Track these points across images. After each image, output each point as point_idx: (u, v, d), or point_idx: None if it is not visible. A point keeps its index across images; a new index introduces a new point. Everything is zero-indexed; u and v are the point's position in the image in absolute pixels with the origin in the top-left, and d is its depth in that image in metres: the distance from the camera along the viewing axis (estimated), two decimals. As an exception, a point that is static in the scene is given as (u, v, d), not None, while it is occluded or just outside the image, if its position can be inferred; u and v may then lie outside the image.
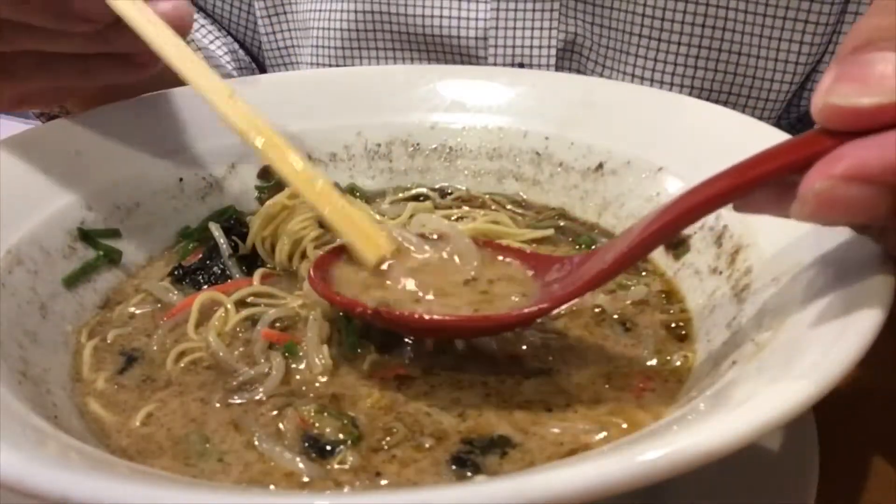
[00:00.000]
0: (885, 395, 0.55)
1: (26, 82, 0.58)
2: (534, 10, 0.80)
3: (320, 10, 0.87)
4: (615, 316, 0.52)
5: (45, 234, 0.54)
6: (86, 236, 0.56)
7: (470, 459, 0.41)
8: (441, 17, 0.83)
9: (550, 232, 0.62)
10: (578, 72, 0.83)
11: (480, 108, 0.69)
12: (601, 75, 0.81)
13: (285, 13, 0.91)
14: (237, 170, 0.66)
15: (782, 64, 0.78)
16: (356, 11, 0.84)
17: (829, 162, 0.32)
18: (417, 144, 0.70)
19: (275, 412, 0.44)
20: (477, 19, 0.82)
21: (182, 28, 0.55)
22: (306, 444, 0.42)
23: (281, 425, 0.43)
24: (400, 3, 0.83)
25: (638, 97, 0.66)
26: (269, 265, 0.58)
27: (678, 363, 0.47)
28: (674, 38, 0.78)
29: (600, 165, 0.64)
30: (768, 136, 0.54)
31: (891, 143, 0.31)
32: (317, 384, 0.46)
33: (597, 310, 0.52)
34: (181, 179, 0.63)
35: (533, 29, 0.80)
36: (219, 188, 0.65)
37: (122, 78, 0.60)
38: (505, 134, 0.68)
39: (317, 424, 0.43)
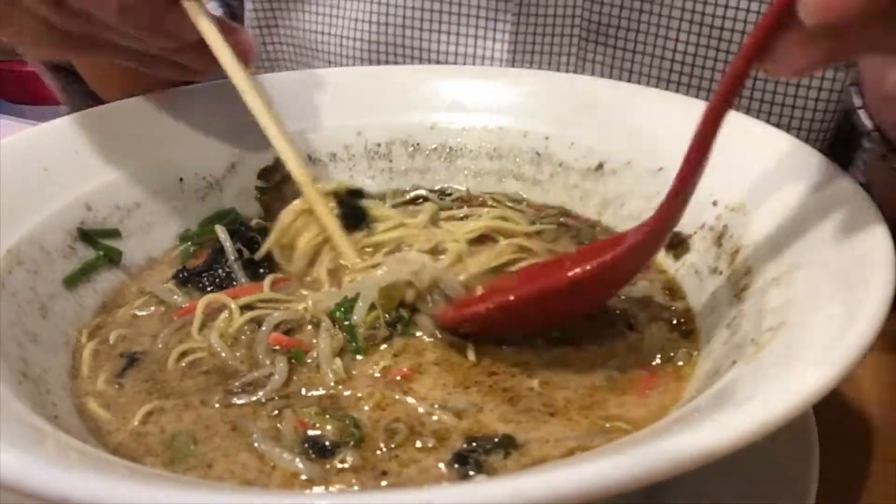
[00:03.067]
0: (886, 394, 0.55)
1: (84, 54, 0.64)
2: (551, 54, 0.79)
3: (331, 35, 0.86)
4: (617, 312, 0.52)
5: (45, 234, 0.54)
6: (86, 236, 0.56)
7: (473, 458, 0.40)
8: (457, 53, 0.82)
9: (555, 227, 0.62)
10: None
11: (480, 108, 0.69)
12: None
13: (291, 35, 0.91)
14: (237, 170, 0.66)
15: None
16: (370, 42, 0.84)
17: None
18: (417, 144, 0.70)
19: (275, 412, 0.44)
20: (493, 59, 0.81)
21: (247, 59, 0.60)
22: (306, 445, 0.42)
23: (280, 426, 0.43)
24: (415, 36, 0.82)
25: (638, 97, 0.66)
26: (282, 271, 0.58)
27: (681, 362, 0.47)
28: (693, 83, 0.77)
29: (600, 165, 0.64)
30: (769, 136, 0.54)
31: None
32: (320, 389, 0.46)
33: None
34: (181, 179, 0.63)
35: (550, 70, 0.80)
36: (219, 188, 0.65)
37: (174, 76, 0.64)
38: (505, 134, 0.68)
39: (317, 425, 0.43)
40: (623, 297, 0.53)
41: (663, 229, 0.45)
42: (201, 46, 0.57)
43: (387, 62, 0.84)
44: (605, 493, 0.27)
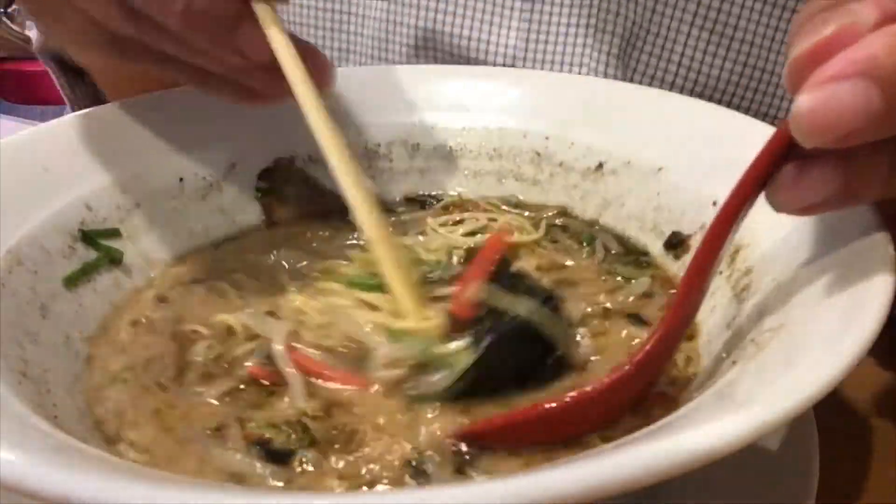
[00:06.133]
0: (885, 394, 0.55)
1: (135, 61, 0.56)
2: (564, 44, 0.79)
3: (349, 14, 0.86)
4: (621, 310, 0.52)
5: (45, 234, 0.53)
6: (87, 237, 0.56)
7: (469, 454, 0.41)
8: (470, 38, 0.81)
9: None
10: None
11: (480, 108, 0.69)
12: None
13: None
14: (237, 170, 0.66)
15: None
16: (386, 21, 0.84)
17: (816, 74, 0.31)
18: (417, 144, 0.70)
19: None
20: (506, 46, 0.80)
21: (324, 86, 0.53)
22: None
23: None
24: (429, 17, 0.82)
25: (638, 97, 0.66)
26: None
27: (681, 363, 0.47)
28: (710, 84, 0.76)
29: (600, 165, 0.64)
30: (769, 136, 0.54)
31: (873, 39, 0.31)
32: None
33: (605, 306, 0.52)
34: (181, 179, 0.63)
35: (563, 64, 0.79)
36: (219, 188, 0.65)
37: (234, 100, 0.58)
38: (505, 134, 0.68)
39: (266, 435, 0.43)
40: (625, 295, 0.54)
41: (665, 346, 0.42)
42: (273, 67, 0.50)
43: (400, 42, 0.84)
44: (604, 493, 0.27)
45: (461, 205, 0.66)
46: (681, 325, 0.42)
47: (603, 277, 0.57)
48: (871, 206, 0.42)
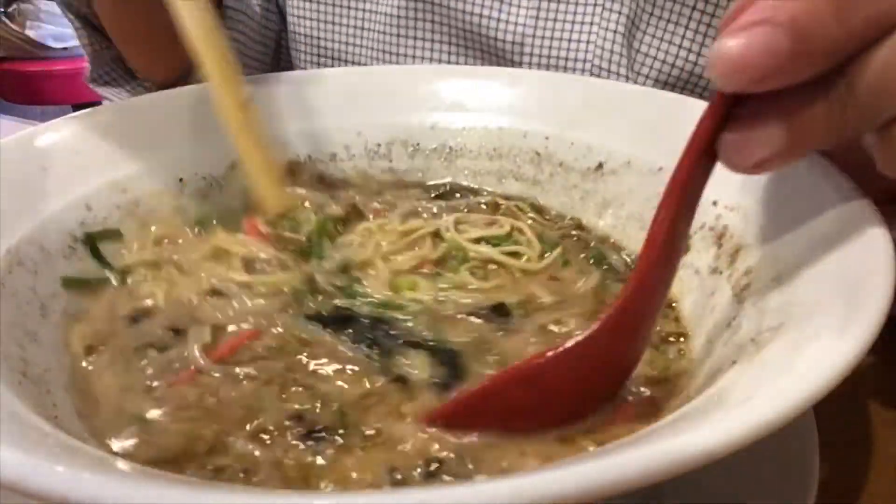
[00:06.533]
0: (885, 394, 0.55)
1: None
2: (573, 22, 0.80)
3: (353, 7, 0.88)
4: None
5: (45, 234, 0.54)
6: (88, 240, 0.56)
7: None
8: (481, 15, 0.83)
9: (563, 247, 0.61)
10: None
11: (480, 108, 0.69)
12: None
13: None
14: (237, 170, 0.65)
15: None
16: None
17: (730, 26, 0.34)
18: (417, 144, 0.70)
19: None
20: (516, 24, 0.82)
21: None
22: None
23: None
24: None
25: (638, 97, 0.66)
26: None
27: (680, 363, 0.47)
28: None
29: (600, 165, 0.64)
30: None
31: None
32: None
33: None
34: (181, 179, 0.63)
35: (570, 41, 0.81)
36: (219, 188, 0.65)
37: None
38: (505, 134, 0.68)
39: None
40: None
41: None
42: None
43: (414, 17, 0.85)
44: (605, 492, 0.27)
45: (493, 205, 0.66)
46: (657, 280, 0.41)
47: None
48: (872, 205, 0.42)
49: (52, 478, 0.29)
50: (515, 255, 0.59)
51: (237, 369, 0.47)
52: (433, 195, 0.68)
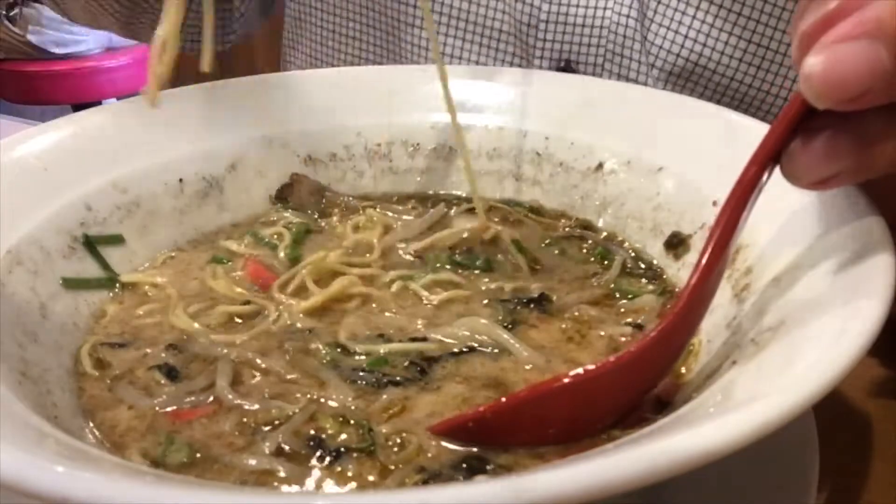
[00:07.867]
0: (885, 394, 0.55)
1: None
2: (587, 7, 0.78)
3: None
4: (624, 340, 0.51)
5: (45, 234, 0.54)
6: (89, 242, 0.56)
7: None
8: (487, 6, 0.81)
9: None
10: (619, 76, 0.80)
11: (480, 108, 0.69)
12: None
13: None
14: (237, 170, 0.66)
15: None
16: None
17: (824, 38, 0.32)
18: (417, 144, 0.70)
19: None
20: (532, 4, 0.80)
21: None
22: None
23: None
24: None
25: (638, 97, 0.66)
26: None
27: (680, 363, 0.47)
28: (714, 58, 0.76)
29: (600, 165, 0.64)
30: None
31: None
32: None
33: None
34: (181, 179, 0.63)
35: (585, 17, 0.79)
36: (219, 188, 0.65)
37: None
38: (505, 134, 0.68)
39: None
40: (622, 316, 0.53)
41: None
42: None
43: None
44: (604, 493, 0.27)
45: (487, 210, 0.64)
46: (702, 298, 0.40)
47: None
48: (872, 205, 0.42)
49: (52, 478, 0.29)
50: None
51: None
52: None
